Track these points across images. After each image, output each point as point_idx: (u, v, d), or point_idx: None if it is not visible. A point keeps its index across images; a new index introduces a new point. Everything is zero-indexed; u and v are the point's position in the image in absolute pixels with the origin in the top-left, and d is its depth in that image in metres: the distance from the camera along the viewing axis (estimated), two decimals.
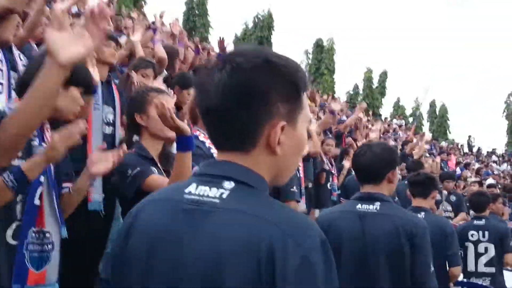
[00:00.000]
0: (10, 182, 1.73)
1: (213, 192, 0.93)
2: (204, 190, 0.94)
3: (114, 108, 3.06)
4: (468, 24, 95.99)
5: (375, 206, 2.23)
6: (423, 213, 3.47)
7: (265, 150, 0.95)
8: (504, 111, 45.12)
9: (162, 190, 1.06)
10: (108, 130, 3.01)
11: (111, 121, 3.02)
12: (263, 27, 31.68)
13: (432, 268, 2.14)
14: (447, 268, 3.44)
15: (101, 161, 2.05)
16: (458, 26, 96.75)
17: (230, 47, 5.95)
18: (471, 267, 4.81)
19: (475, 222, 4.95)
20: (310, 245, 0.86)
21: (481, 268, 4.79)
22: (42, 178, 1.92)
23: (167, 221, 0.93)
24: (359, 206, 2.27)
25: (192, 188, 0.95)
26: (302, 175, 4.98)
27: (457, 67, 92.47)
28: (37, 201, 1.92)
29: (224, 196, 0.92)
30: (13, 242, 1.89)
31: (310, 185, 5.70)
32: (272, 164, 0.97)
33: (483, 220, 4.90)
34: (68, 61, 1.43)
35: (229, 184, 0.93)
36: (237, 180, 0.94)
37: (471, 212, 5.89)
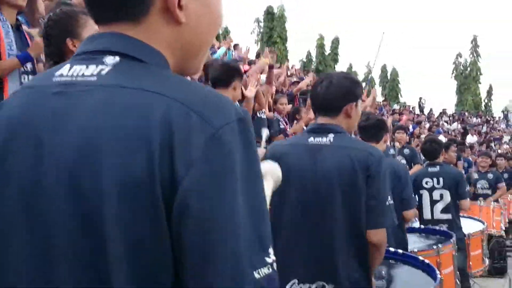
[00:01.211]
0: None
1: (91, 69, 0.69)
2: (79, 69, 0.70)
3: None
4: None
5: (328, 138, 2.05)
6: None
7: (163, 17, 0.71)
8: (453, 72, 46.52)
9: (33, 78, 0.82)
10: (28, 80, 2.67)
11: (30, 70, 2.68)
12: None
13: (391, 201, 1.99)
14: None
15: None
16: None
17: None
18: (427, 214, 4.78)
19: (429, 169, 4.89)
20: (222, 122, 0.63)
21: (437, 215, 4.75)
22: None
23: (26, 113, 0.70)
24: (311, 139, 2.08)
25: (64, 70, 0.72)
26: None
27: (405, 32, 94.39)
28: None
29: (104, 72, 0.68)
30: None
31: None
32: (175, 37, 0.73)
33: (437, 166, 4.86)
34: None
35: (112, 59, 0.69)
36: (123, 54, 0.70)
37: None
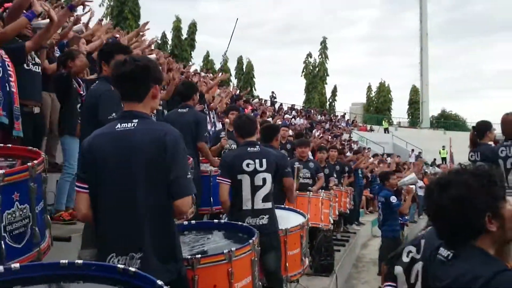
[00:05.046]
0: None
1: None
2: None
3: None
4: None
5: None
6: (135, 121, 2.23)
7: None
8: (303, 71, 48.49)
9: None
10: None
11: None
12: None
13: None
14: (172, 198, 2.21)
15: None
16: None
17: None
18: (247, 204, 3.71)
19: (249, 148, 3.86)
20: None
21: (258, 205, 3.69)
22: None
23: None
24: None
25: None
26: None
27: (262, 26, 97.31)
28: None
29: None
30: None
31: None
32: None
33: (257, 146, 3.89)
34: None
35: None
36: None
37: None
